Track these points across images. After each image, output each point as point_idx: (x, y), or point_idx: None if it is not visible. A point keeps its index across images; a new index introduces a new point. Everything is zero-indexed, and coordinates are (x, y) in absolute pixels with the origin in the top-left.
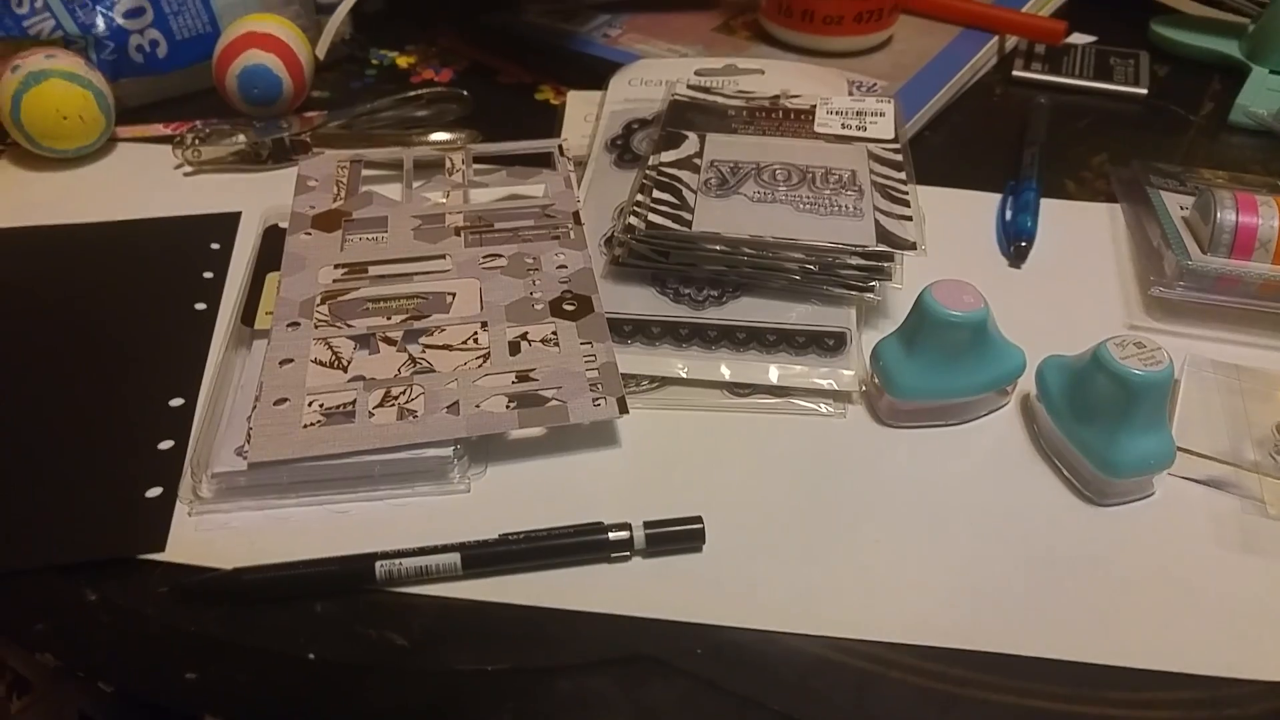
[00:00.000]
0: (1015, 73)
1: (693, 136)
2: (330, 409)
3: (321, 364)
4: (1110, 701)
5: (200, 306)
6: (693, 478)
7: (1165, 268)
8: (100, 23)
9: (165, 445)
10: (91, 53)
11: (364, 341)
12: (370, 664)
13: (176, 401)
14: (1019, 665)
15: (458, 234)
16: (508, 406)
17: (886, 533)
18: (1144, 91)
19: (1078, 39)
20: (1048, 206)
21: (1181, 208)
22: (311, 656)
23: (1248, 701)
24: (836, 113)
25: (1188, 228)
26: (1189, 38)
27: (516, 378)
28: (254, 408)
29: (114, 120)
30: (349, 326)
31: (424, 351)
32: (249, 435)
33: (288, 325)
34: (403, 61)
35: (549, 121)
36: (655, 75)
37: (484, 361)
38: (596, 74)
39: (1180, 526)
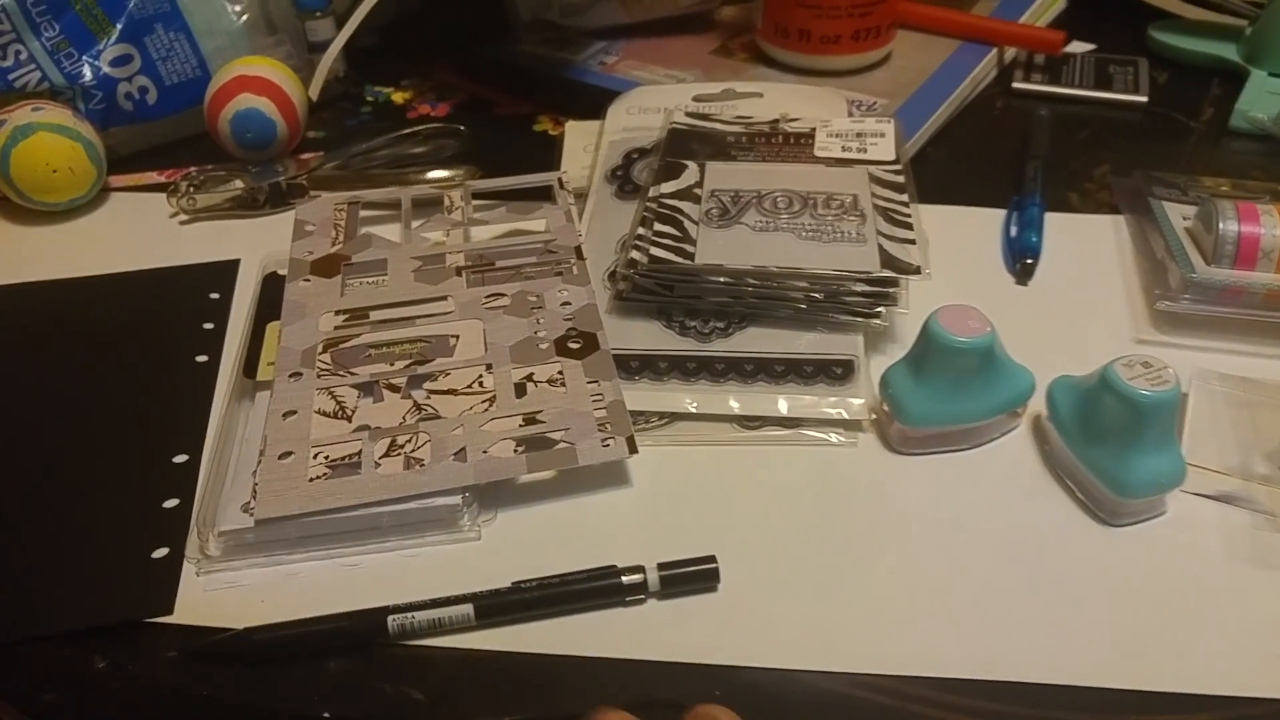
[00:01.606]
0: (1015, 84)
1: (692, 166)
2: (336, 461)
3: (325, 414)
4: None
5: (201, 359)
6: (705, 514)
7: (1170, 280)
8: (87, 72)
9: (171, 504)
10: (79, 103)
11: (367, 389)
12: None
13: (181, 458)
14: (1037, 693)
15: (459, 274)
16: (515, 451)
17: (901, 562)
18: (1144, 99)
19: (1076, 47)
20: (1052, 220)
21: (1184, 218)
22: (327, 716)
23: None
24: (836, 135)
25: (1191, 239)
26: (1187, 43)
27: (524, 420)
28: (259, 462)
29: (105, 170)
30: (352, 374)
31: (428, 397)
32: (254, 491)
33: (290, 376)
34: (398, 97)
35: (548, 153)
36: (653, 102)
37: (490, 405)
38: (595, 103)
39: (1193, 544)
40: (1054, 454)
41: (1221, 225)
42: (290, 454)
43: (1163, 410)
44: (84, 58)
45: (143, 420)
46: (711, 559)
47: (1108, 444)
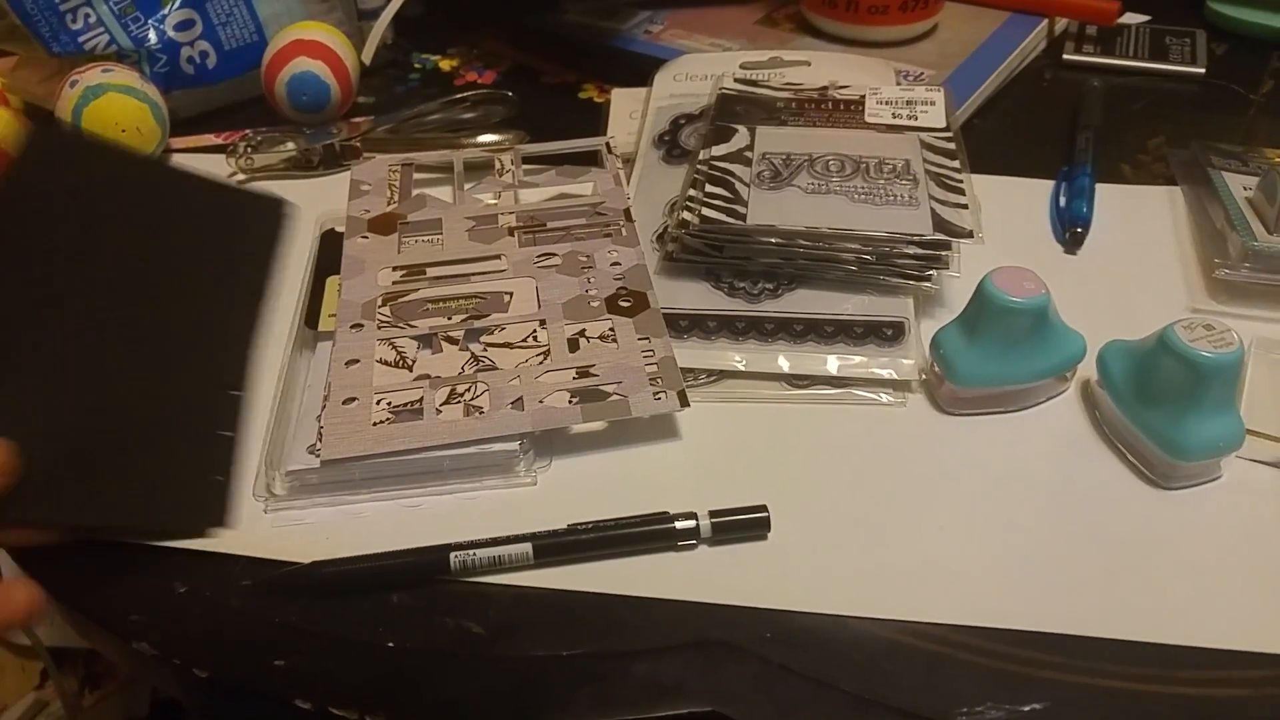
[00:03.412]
0: (1066, 56)
1: (742, 129)
2: (398, 407)
3: (387, 364)
4: (1180, 680)
5: None
6: (754, 468)
7: (1230, 249)
8: (153, 36)
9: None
10: (145, 66)
11: (426, 341)
12: (450, 651)
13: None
14: (1088, 646)
15: (511, 234)
16: (570, 401)
17: (951, 519)
18: (1201, 71)
19: (1130, 19)
20: (1103, 191)
21: (1245, 188)
22: (391, 645)
23: None
24: (886, 102)
25: (1252, 209)
26: (1246, 14)
27: (577, 374)
28: (323, 407)
29: (169, 131)
30: (411, 327)
31: (485, 350)
32: (320, 434)
33: (351, 327)
34: (445, 65)
35: (594, 120)
36: (700, 70)
37: (544, 358)
38: (639, 71)
39: (1248, 508)
40: (1104, 418)
41: None
42: (354, 399)
43: (1225, 372)
44: (150, 22)
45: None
46: (763, 508)
47: (1164, 407)
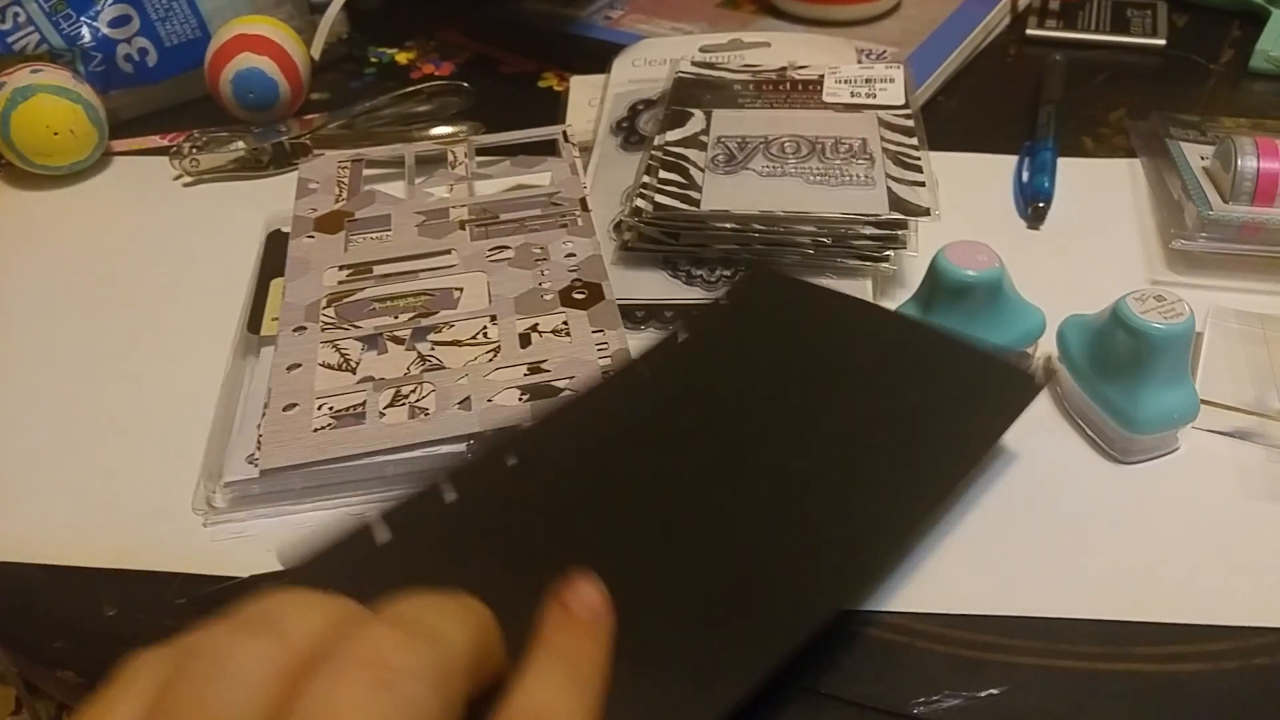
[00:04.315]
0: (1029, 31)
1: (699, 114)
2: (340, 411)
3: (329, 367)
4: (1138, 657)
5: None
6: None
7: (1186, 219)
8: (86, 34)
9: None
10: (79, 65)
11: (372, 342)
12: None
13: None
14: (1046, 626)
15: (463, 228)
16: (521, 399)
17: None
18: (1162, 42)
19: None
20: (1065, 165)
21: (1202, 158)
22: None
23: (1278, 650)
24: (845, 81)
25: (1209, 178)
26: None
27: (528, 370)
28: (263, 414)
29: (107, 133)
30: (356, 328)
31: (433, 349)
32: (259, 442)
33: (294, 330)
34: (402, 58)
35: (554, 109)
36: (659, 54)
37: (494, 355)
38: (599, 58)
39: (1206, 479)
40: (1065, 394)
41: (1240, 162)
42: (294, 405)
43: (1175, 343)
44: (82, 19)
45: None
46: None
47: (1119, 380)
